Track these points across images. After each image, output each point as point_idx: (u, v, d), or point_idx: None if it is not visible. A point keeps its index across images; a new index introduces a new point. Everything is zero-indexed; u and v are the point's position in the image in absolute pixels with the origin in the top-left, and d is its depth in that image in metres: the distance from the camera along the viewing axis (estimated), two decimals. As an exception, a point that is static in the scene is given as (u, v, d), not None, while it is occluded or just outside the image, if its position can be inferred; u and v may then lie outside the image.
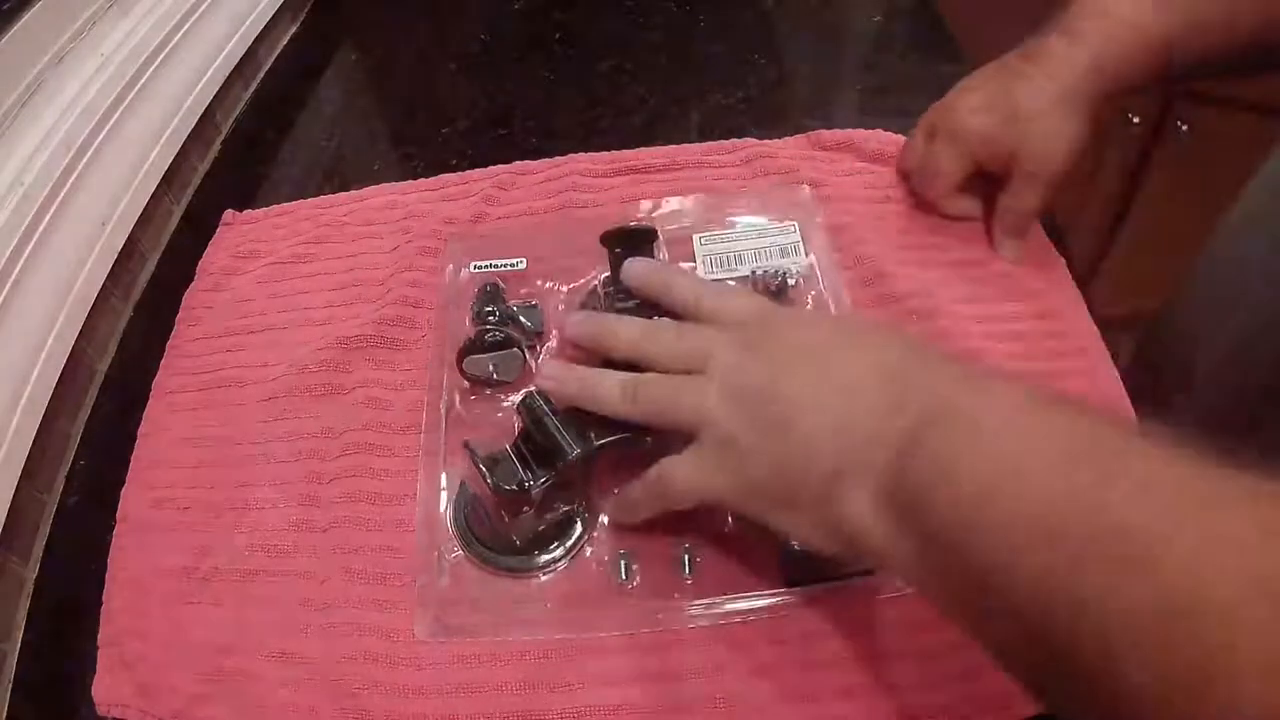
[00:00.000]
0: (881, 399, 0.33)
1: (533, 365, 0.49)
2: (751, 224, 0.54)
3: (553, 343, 0.50)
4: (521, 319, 0.50)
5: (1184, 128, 1.12)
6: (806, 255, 0.52)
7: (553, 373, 0.42)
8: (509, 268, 0.54)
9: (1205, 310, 0.48)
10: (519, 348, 0.47)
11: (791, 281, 0.50)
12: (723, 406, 0.36)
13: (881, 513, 0.31)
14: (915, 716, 0.37)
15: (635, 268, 0.45)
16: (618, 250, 0.48)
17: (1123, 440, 0.28)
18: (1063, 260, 0.52)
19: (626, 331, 0.42)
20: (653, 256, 0.48)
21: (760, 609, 0.40)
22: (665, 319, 0.42)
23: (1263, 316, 0.42)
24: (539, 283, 0.53)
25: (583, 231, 0.51)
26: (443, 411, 0.48)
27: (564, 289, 0.53)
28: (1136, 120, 1.15)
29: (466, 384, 0.49)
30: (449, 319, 0.52)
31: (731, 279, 0.52)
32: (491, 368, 0.47)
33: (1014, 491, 0.27)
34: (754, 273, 0.50)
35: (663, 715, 0.38)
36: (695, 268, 0.52)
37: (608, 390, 0.40)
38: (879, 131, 0.59)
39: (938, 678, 0.38)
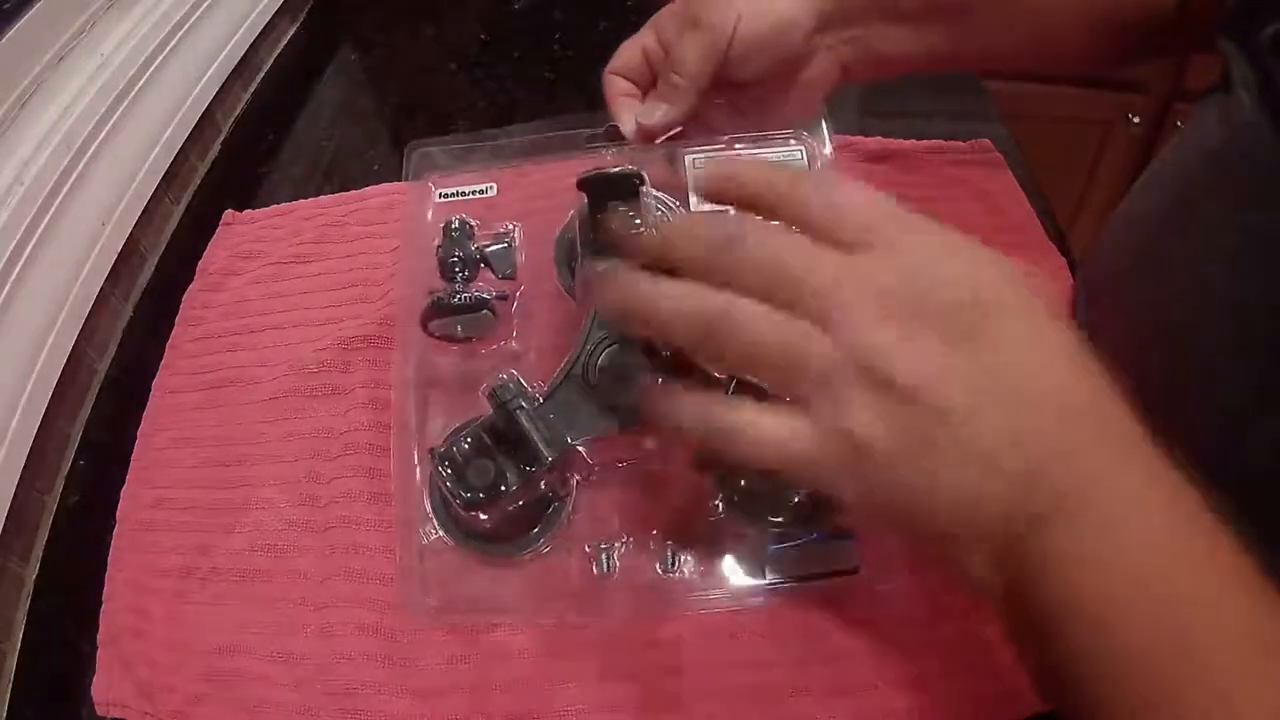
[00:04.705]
0: (1048, 446, 0.27)
1: (507, 321, 0.45)
2: (750, 145, 0.45)
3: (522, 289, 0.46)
4: (490, 263, 0.45)
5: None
6: None
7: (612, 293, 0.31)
8: (478, 194, 0.48)
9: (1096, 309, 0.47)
10: (488, 308, 0.44)
11: (793, 228, 0.44)
12: (860, 398, 0.27)
13: (997, 576, 0.29)
14: (908, 712, 0.37)
15: (707, 172, 0.32)
16: (596, 198, 0.41)
17: (1256, 607, 0.26)
18: (1064, 260, 0.52)
19: (703, 235, 0.30)
20: (637, 203, 0.41)
21: (746, 604, 0.40)
22: (757, 223, 0.30)
23: (1138, 320, 0.41)
24: (509, 223, 0.48)
25: (560, 169, 0.45)
26: (411, 375, 0.45)
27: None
28: (1136, 120, 1.15)
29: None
30: (415, 266, 0.47)
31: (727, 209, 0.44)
32: (459, 329, 0.44)
33: (1118, 633, 0.26)
34: None
35: (660, 714, 0.38)
36: (687, 194, 0.44)
37: (675, 318, 0.29)
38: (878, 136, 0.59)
39: (930, 675, 0.38)
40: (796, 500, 0.40)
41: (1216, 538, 0.27)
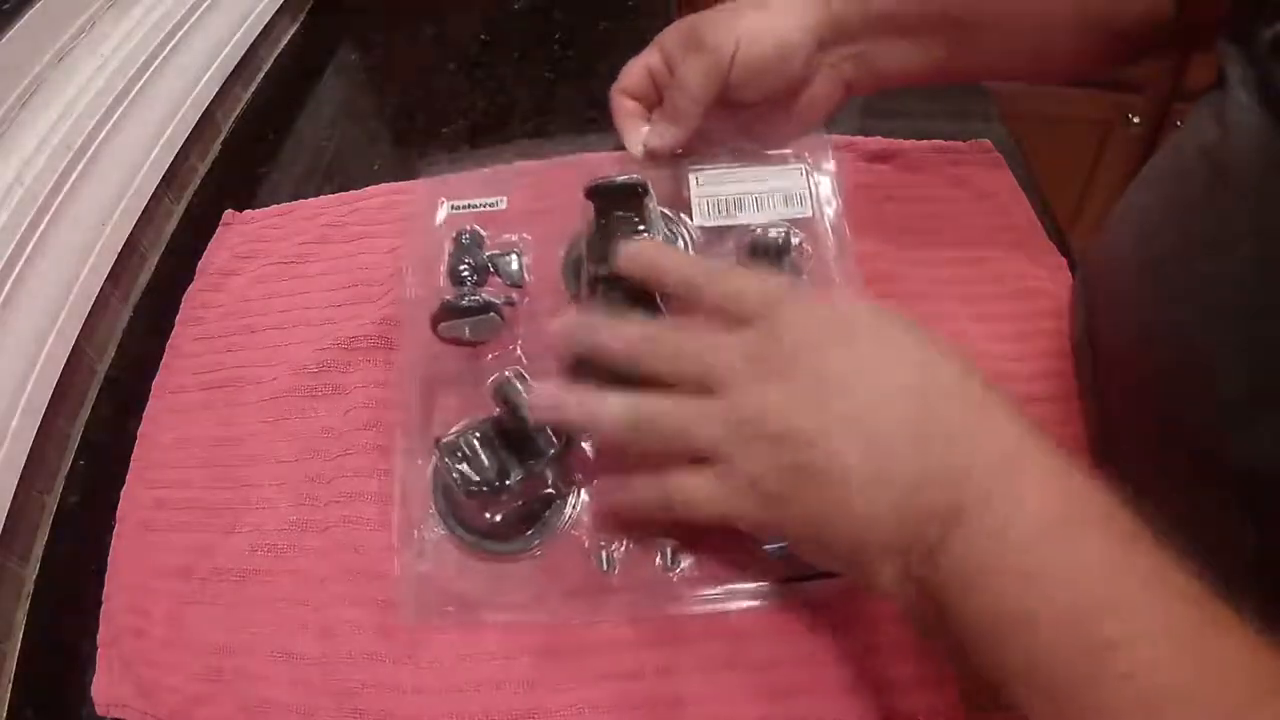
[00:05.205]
0: (916, 465, 0.30)
1: (514, 326, 0.47)
2: (753, 165, 0.48)
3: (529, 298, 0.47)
4: (499, 270, 0.47)
5: (1184, 128, 1.12)
6: (812, 206, 0.46)
7: (546, 401, 0.38)
8: (488, 207, 0.50)
9: (1095, 305, 0.47)
10: (496, 312, 0.45)
11: (796, 240, 0.45)
12: (741, 447, 0.33)
13: (907, 586, 0.30)
14: (910, 715, 0.37)
15: (625, 252, 0.39)
16: (603, 207, 0.44)
17: (1146, 591, 0.26)
18: (1064, 260, 0.52)
19: (619, 340, 0.37)
20: (642, 213, 0.43)
21: (746, 603, 0.40)
22: (662, 323, 0.39)
23: (1139, 316, 0.41)
24: (520, 232, 0.49)
25: (567, 178, 0.47)
26: (419, 374, 0.46)
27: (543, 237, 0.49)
28: (1136, 120, 1.15)
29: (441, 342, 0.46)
30: (425, 273, 0.48)
31: (729, 225, 0.47)
32: (467, 331, 0.45)
33: (1024, 641, 0.27)
34: (753, 233, 0.46)
35: (662, 714, 0.38)
36: (691, 209, 0.47)
37: (610, 417, 0.36)
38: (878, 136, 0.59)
39: (930, 675, 0.38)
40: None
41: (1131, 536, 0.27)
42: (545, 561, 0.41)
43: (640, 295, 0.41)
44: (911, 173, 0.57)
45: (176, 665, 0.42)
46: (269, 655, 0.42)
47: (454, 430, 0.41)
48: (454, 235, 0.48)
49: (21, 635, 0.47)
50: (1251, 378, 0.33)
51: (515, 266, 0.47)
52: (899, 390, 0.32)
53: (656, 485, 0.37)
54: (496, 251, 0.48)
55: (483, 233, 0.48)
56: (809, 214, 0.46)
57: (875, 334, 0.34)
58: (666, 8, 0.77)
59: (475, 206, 0.50)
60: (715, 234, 0.47)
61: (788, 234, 0.45)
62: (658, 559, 0.41)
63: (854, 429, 0.31)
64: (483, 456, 0.39)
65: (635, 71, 0.48)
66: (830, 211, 0.47)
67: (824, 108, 0.47)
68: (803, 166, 0.48)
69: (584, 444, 0.41)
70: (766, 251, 0.46)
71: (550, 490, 0.42)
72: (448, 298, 0.45)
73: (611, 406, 0.36)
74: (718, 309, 0.36)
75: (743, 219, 0.47)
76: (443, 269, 0.47)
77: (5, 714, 0.44)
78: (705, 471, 0.34)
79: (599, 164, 0.50)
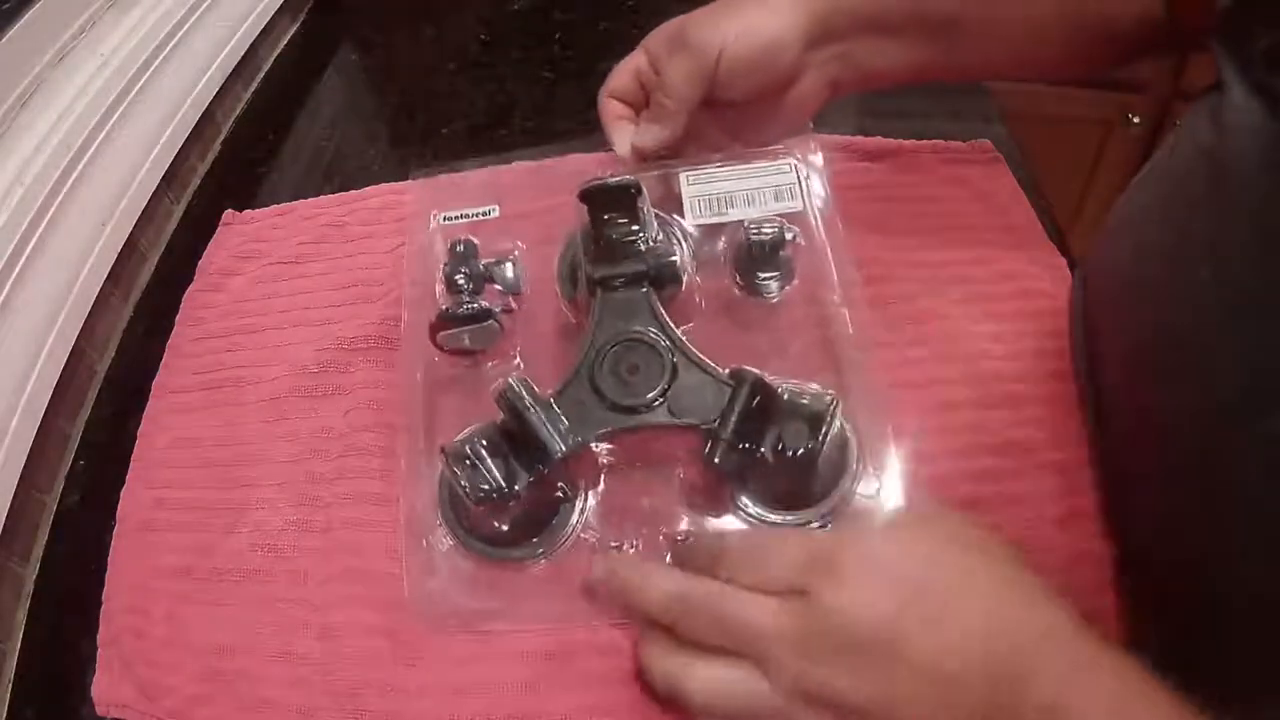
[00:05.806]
0: (984, 698, 0.30)
1: (512, 332, 0.47)
2: (742, 162, 0.47)
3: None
4: (496, 278, 0.47)
5: (1184, 128, 1.12)
6: (805, 200, 0.46)
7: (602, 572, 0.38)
8: (480, 216, 0.49)
9: (1096, 318, 0.47)
10: (494, 319, 0.45)
11: (789, 236, 0.45)
12: (795, 708, 0.32)
13: None
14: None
15: (596, 574, 0.39)
16: (597, 210, 0.44)
17: None
18: (1064, 260, 0.52)
19: (659, 592, 0.35)
20: (636, 213, 0.43)
21: None
22: (703, 584, 0.35)
23: (1140, 332, 0.41)
24: (515, 239, 0.50)
25: (558, 180, 0.47)
26: (420, 382, 0.46)
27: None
28: (1136, 120, 1.15)
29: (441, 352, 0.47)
30: (419, 285, 0.48)
31: (722, 222, 0.46)
32: (466, 340, 0.46)
33: None
34: (746, 231, 0.45)
35: (663, 714, 0.38)
36: (683, 208, 0.47)
37: (656, 680, 0.35)
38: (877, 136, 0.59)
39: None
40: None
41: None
42: (555, 565, 0.41)
43: (638, 303, 0.41)
44: (910, 173, 0.57)
45: (176, 665, 0.42)
46: (270, 655, 0.42)
47: (459, 438, 0.41)
48: (449, 246, 0.48)
49: (21, 635, 0.47)
50: (1251, 378, 0.33)
51: (512, 274, 0.47)
52: (963, 637, 0.31)
53: (663, 668, 0.35)
54: (492, 260, 0.48)
55: (476, 242, 0.48)
56: (800, 207, 0.46)
57: (936, 577, 0.32)
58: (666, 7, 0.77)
59: (468, 217, 0.50)
60: (709, 232, 0.47)
61: (780, 230, 0.45)
62: (667, 559, 0.40)
63: (925, 673, 0.30)
64: (490, 463, 0.39)
65: (623, 75, 0.48)
66: (821, 204, 0.48)
67: (811, 106, 0.48)
68: (792, 160, 0.48)
69: (592, 445, 0.41)
70: (761, 248, 0.46)
71: (559, 494, 0.42)
72: (445, 306, 0.45)
73: (656, 660, 0.35)
74: (749, 584, 0.34)
75: (734, 215, 0.46)
76: (439, 279, 0.47)
77: (5, 714, 0.44)
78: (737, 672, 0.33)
79: (588, 166, 0.51)
